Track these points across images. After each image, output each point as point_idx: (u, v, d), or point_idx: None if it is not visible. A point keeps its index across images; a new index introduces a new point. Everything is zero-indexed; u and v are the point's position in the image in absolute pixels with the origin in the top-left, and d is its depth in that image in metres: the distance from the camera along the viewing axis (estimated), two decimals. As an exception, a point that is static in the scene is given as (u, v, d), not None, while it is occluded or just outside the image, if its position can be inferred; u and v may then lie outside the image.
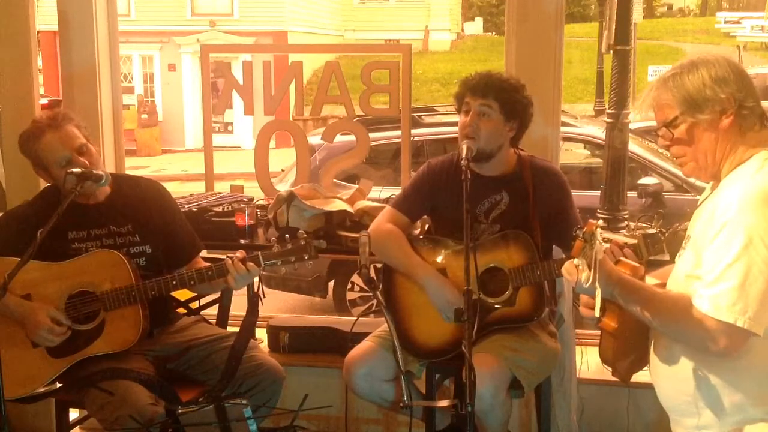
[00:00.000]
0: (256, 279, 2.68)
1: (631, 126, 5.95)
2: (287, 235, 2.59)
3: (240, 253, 2.58)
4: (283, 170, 6.04)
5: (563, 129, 3.36)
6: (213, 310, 3.05)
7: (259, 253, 2.57)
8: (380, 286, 2.66)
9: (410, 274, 2.70)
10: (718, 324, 1.73)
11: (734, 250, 1.71)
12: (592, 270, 1.73)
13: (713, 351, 1.77)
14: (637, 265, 2.01)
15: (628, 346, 2.02)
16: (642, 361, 2.06)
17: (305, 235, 2.58)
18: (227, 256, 2.60)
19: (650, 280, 2.01)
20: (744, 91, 1.84)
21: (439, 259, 2.73)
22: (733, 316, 1.71)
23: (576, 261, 1.80)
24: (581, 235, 1.79)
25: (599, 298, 1.76)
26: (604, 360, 2.08)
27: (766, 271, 1.70)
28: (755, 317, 1.70)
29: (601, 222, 1.89)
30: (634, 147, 6.17)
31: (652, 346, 2.00)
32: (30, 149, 2.65)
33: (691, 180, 6.22)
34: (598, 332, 2.08)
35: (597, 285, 1.73)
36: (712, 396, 1.83)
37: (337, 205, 3.26)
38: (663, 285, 1.99)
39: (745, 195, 1.74)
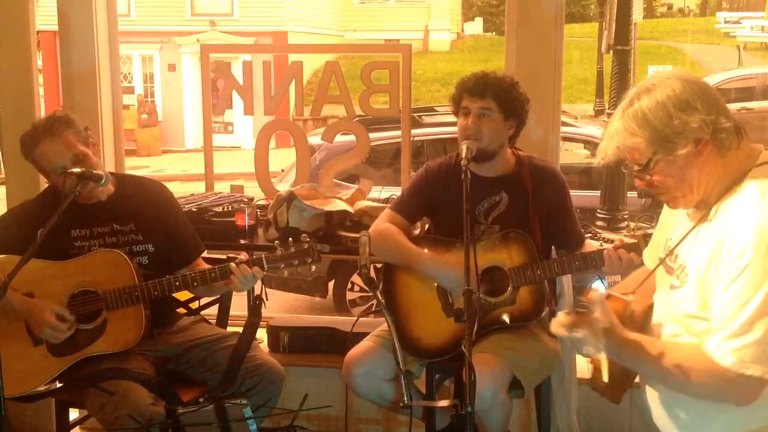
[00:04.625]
0: (259, 281, 2.68)
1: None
2: (290, 238, 2.59)
3: (243, 256, 2.58)
4: (283, 170, 6.04)
5: (563, 129, 3.36)
6: (213, 310, 3.05)
7: (263, 256, 2.57)
8: (380, 286, 2.66)
9: (411, 264, 2.69)
10: (741, 378, 1.63)
11: (757, 300, 1.60)
12: (593, 342, 1.69)
13: (731, 401, 1.70)
14: (627, 299, 1.92)
15: (619, 382, 1.96)
16: (631, 381, 2.01)
17: (308, 239, 2.58)
18: (228, 257, 2.60)
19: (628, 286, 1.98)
20: (714, 111, 1.70)
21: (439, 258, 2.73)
22: (761, 369, 1.62)
23: (575, 333, 1.74)
24: (578, 308, 1.73)
25: (605, 364, 1.72)
26: (597, 389, 2.03)
27: None
28: None
29: (602, 290, 1.82)
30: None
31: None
32: (28, 155, 2.66)
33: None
34: None
35: (603, 354, 1.69)
36: (718, 412, 1.76)
37: (337, 205, 3.26)
38: (647, 308, 1.92)
39: (760, 236, 1.61)
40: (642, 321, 1.93)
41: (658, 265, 1.96)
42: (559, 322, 1.80)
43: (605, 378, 1.74)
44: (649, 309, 1.94)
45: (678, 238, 1.87)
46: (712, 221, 1.75)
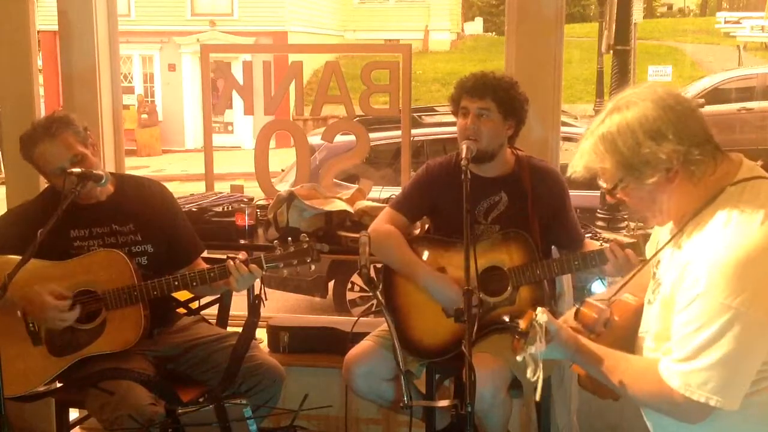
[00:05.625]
0: (258, 280, 2.68)
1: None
2: (290, 238, 2.59)
3: (242, 255, 2.58)
4: (283, 170, 6.04)
5: (563, 129, 3.36)
6: (213, 310, 3.06)
7: (262, 255, 2.57)
8: (380, 286, 2.65)
9: (409, 275, 2.70)
10: (686, 401, 1.64)
11: (708, 330, 1.59)
12: (534, 364, 1.70)
13: (679, 420, 1.71)
14: (603, 307, 1.91)
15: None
16: None
17: (308, 238, 2.58)
18: (228, 257, 2.60)
19: (627, 297, 1.96)
20: (686, 142, 1.64)
21: (439, 259, 2.73)
22: (704, 395, 1.61)
23: (518, 359, 1.73)
24: (517, 334, 1.73)
25: (539, 386, 1.73)
26: (587, 390, 2.04)
27: (739, 351, 1.58)
28: (727, 396, 1.61)
29: (539, 310, 1.81)
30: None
31: None
32: (27, 155, 2.66)
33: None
34: None
35: (537, 377, 1.70)
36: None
37: (337, 205, 3.26)
38: (637, 309, 1.91)
39: (714, 266, 1.59)
40: (625, 326, 1.92)
41: (640, 268, 1.97)
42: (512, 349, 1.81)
43: (537, 398, 1.75)
44: (638, 313, 1.92)
45: (662, 244, 1.87)
46: (683, 242, 1.74)
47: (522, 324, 1.73)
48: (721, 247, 1.61)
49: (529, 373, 1.72)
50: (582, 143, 1.74)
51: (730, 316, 1.57)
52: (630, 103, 1.69)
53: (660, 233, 1.94)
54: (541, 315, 1.73)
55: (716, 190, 1.69)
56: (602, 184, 1.76)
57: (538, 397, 1.76)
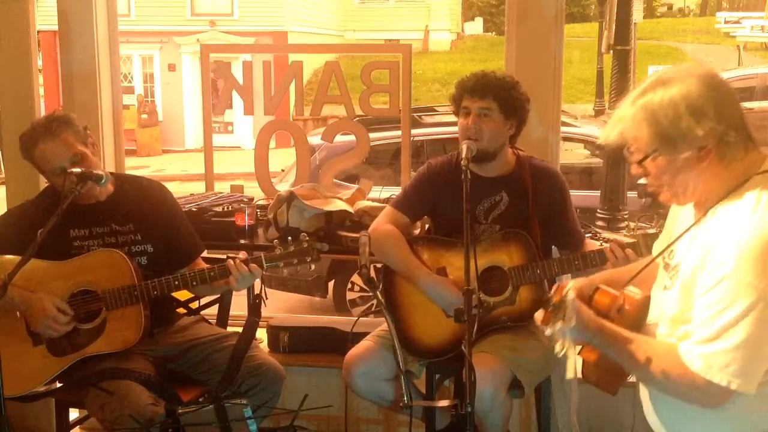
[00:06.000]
0: (258, 280, 2.68)
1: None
2: (289, 237, 2.59)
3: (242, 254, 2.58)
4: (283, 170, 6.04)
5: (563, 129, 3.36)
6: (213, 310, 3.05)
7: (262, 254, 2.57)
8: (380, 286, 2.66)
9: (409, 276, 2.70)
10: (707, 384, 1.64)
11: (732, 311, 1.60)
12: (562, 342, 1.69)
13: (697, 405, 1.71)
14: (616, 293, 1.91)
15: (612, 370, 1.96)
16: (626, 374, 2.00)
17: (307, 238, 2.58)
18: (228, 257, 2.60)
19: (632, 290, 1.96)
20: (725, 123, 1.66)
21: (439, 259, 2.73)
22: (726, 378, 1.62)
23: (546, 332, 1.73)
24: (550, 306, 1.73)
25: (571, 362, 1.73)
26: (589, 382, 2.03)
27: (762, 334, 1.60)
28: (747, 380, 1.62)
29: (571, 284, 1.82)
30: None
31: None
32: (27, 154, 2.66)
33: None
34: None
35: (568, 354, 1.70)
36: (697, 418, 1.77)
37: (337, 205, 3.26)
38: (644, 301, 1.92)
39: (743, 248, 1.60)
40: (635, 316, 1.93)
41: (653, 259, 1.97)
42: (535, 319, 1.82)
43: (570, 374, 1.76)
44: (644, 305, 1.93)
45: (678, 234, 1.87)
46: (707, 225, 1.74)
47: (554, 297, 1.74)
48: (749, 230, 1.62)
49: (557, 348, 1.71)
50: (619, 111, 1.76)
51: (755, 297, 1.58)
52: (674, 78, 1.71)
53: (675, 225, 1.94)
54: (570, 292, 1.73)
55: (743, 177, 1.71)
56: (630, 155, 1.77)
57: (571, 374, 1.75)
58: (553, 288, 1.79)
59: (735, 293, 1.60)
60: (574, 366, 1.74)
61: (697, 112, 1.66)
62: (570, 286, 1.75)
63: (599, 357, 1.87)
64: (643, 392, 1.93)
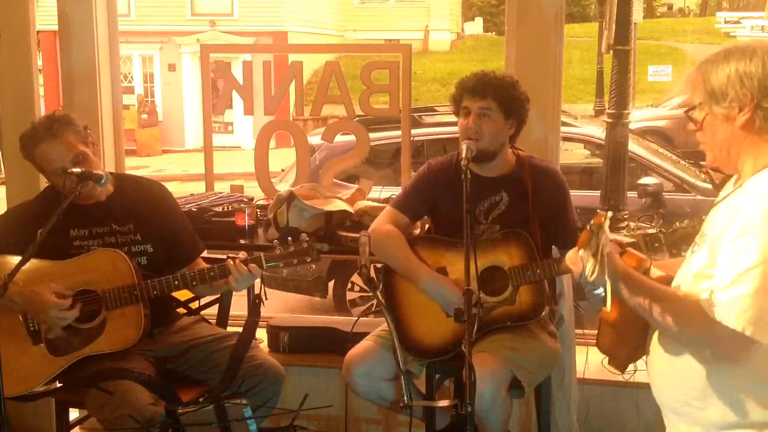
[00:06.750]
0: (258, 280, 2.68)
1: (631, 126, 5.95)
2: (289, 237, 2.59)
3: (242, 254, 2.58)
4: (283, 170, 6.04)
5: (563, 129, 3.36)
6: (213, 310, 3.05)
7: (262, 254, 2.57)
8: (380, 286, 2.66)
9: (409, 276, 2.70)
10: (724, 330, 1.69)
11: (754, 257, 1.66)
12: (599, 262, 1.72)
13: (715, 355, 1.75)
14: (644, 257, 1.99)
15: (628, 337, 2.01)
16: (640, 351, 2.03)
17: (307, 238, 2.58)
18: (228, 257, 2.60)
19: (654, 272, 2.00)
20: (765, 91, 1.77)
21: (439, 259, 2.73)
22: (741, 324, 1.67)
23: (581, 252, 1.77)
24: (588, 227, 1.76)
25: (609, 290, 1.75)
26: (602, 349, 2.07)
27: None
28: (764, 327, 1.66)
29: (609, 214, 1.85)
30: (634, 147, 6.17)
31: (654, 338, 1.97)
32: (28, 155, 2.66)
33: (691, 180, 6.24)
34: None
35: (606, 278, 1.72)
36: (716, 393, 1.79)
37: (337, 205, 3.26)
38: (667, 278, 1.96)
39: None
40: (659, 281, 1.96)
41: (692, 248, 2.00)
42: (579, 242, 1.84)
43: (608, 307, 1.78)
44: (667, 279, 1.96)
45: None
46: (739, 193, 1.82)
47: (594, 220, 1.76)
48: None
49: (588, 270, 1.74)
50: (695, 70, 1.87)
51: None
52: (755, 51, 1.79)
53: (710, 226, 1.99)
54: (606, 227, 1.75)
55: None
56: (688, 108, 1.88)
57: (608, 307, 1.78)
58: (597, 216, 1.82)
59: (758, 244, 1.66)
60: (609, 297, 1.76)
61: (745, 76, 1.76)
62: (608, 217, 1.79)
63: (618, 316, 1.91)
64: (655, 364, 1.95)
